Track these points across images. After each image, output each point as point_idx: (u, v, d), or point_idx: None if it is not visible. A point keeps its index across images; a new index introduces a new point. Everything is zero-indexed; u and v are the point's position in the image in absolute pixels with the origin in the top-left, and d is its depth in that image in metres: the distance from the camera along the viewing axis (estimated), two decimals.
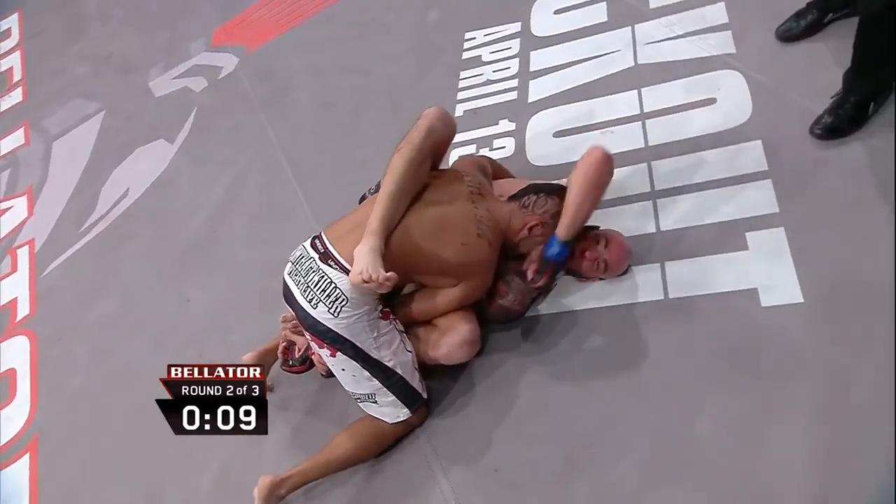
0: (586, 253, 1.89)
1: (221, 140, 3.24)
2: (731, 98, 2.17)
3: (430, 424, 1.87)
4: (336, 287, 1.69)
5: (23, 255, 3.23)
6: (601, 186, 1.79)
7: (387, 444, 1.84)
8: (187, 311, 2.59)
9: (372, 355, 1.74)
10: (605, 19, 2.66)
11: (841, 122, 1.91)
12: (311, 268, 1.74)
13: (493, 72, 2.76)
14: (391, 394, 1.78)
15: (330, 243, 1.76)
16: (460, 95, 2.73)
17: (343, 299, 1.69)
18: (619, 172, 2.14)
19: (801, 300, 1.68)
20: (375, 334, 1.74)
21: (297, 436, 2.03)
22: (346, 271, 1.68)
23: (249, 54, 3.62)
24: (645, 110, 2.30)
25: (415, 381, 1.81)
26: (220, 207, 2.92)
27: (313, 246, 1.79)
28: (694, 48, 2.36)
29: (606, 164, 1.77)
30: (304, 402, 2.10)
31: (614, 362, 1.80)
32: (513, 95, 2.63)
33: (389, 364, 1.75)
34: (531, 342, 1.92)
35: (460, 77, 2.82)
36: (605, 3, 2.70)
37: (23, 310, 2.95)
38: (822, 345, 1.61)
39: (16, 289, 3.07)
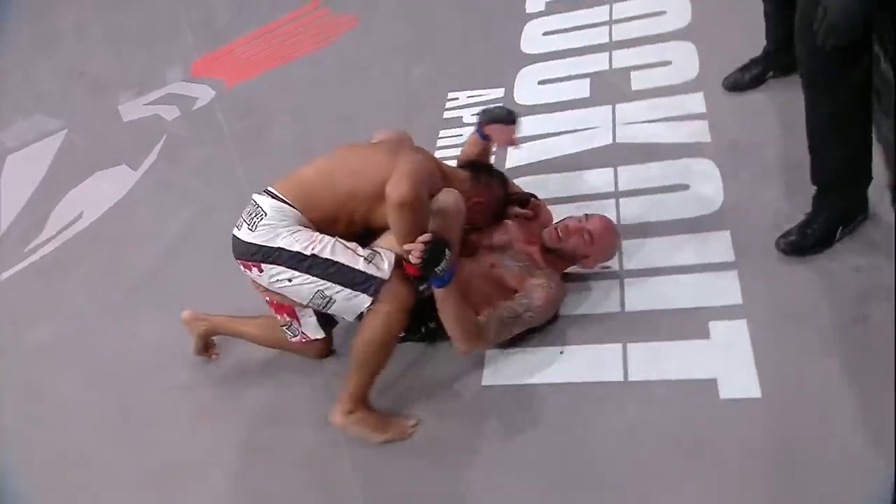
0: (569, 225, 2.04)
1: (188, 172, 3.26)
2: (704, 186, 2.29)
3: None
4: (259, 207, 1.90)
5: None
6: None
7: (379, 338, 1.86)
8: (131, 348, 2.55)
9: (292, 248, 1.84)
10: (587, 95, 2.79)
11: (807, 242, 1.96)
12: (251, 203, 1.95)
13: None
14: (336, 284, 1.83)
15: (274, 184, 1.98)
16: (438, 154, 2.80)
17: (262, 215, 1.88)
18: None
19: (759, 395, 1.74)
20: (290, 231, 1.87)
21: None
22: (272, 195, 1.92)
23: (228, 89, 3.68)
24: (619, 189, 2.40)
25: (357, 263, 1.84)
26: (178, 241, 2.91)
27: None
28: (671, 133, 2.49)
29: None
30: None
31: (568, 444, 1.82)
32: (490, 160, 2.71)
33: (312, 251, 1.83)
34: (484, 414, 1.95)
35: (440, 135, 2.91)
36: (588, 79, 2.84)
37: None
38: (778, 442, 1.67)
39: None
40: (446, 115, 2.99)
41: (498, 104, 2.25)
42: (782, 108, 2.35)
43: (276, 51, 3.83)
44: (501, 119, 2.21)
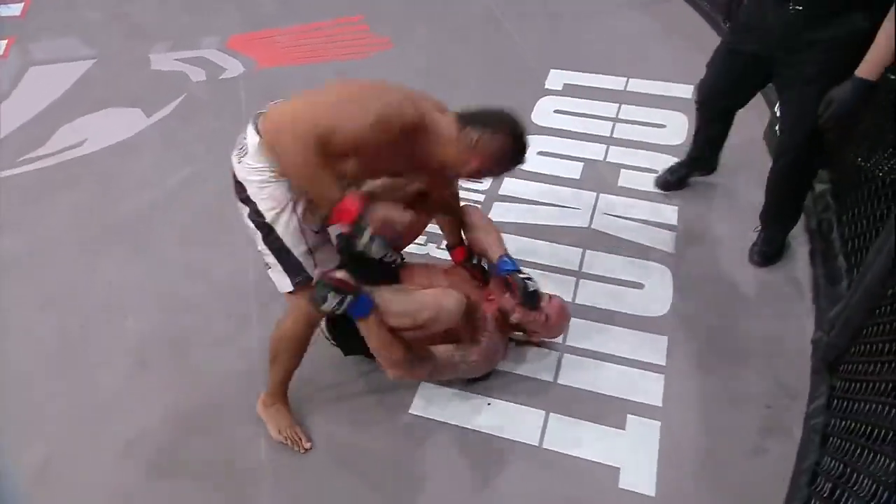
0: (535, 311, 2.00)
1: (197, 135, 3.22)
2: (656, 291, 2.34)
3: None
4: (245, 139, 1.68)
5: None
6: None
7: (285, 338, 1.82)
8: (89, 281, 2.48)
9: (257, 205, 1.68)
10: (577, 177, 2.84)
11: (772, 251, 2.39)
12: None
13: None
14: (272, 255, 1.73)
15: (266, 112, 1.71)
16: None
17: (244, 150, 1.68)
18: None
19: (653, 494, 1.77)
20: (261, 183, 1.67)
21: None
22: (256, 128, 1.65)
23: (257, 70, 3.66)
24: (583, 270, 2.44)
25: (298, 251, 1.71)
26: (167, 196, 2.86)
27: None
28: (641, 235, 2.55)
29: None
30: None
31: (469, 489, 1.83)
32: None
33: (268, 220, 1.69)
34: (402, 440, 1.95)
35: None
36: (582, 164, 2.90)
37: None
38: None
39: None
40: None
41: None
42: (745, 244, 2.45)
43: (311, 49, 3.84)
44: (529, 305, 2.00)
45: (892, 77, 2.12)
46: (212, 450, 1.94)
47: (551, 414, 1.98)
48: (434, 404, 2.02)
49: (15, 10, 4.25)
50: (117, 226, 2.72)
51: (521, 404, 2.01)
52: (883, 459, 1.45)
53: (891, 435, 1.48)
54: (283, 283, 1.76)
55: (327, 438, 1.95)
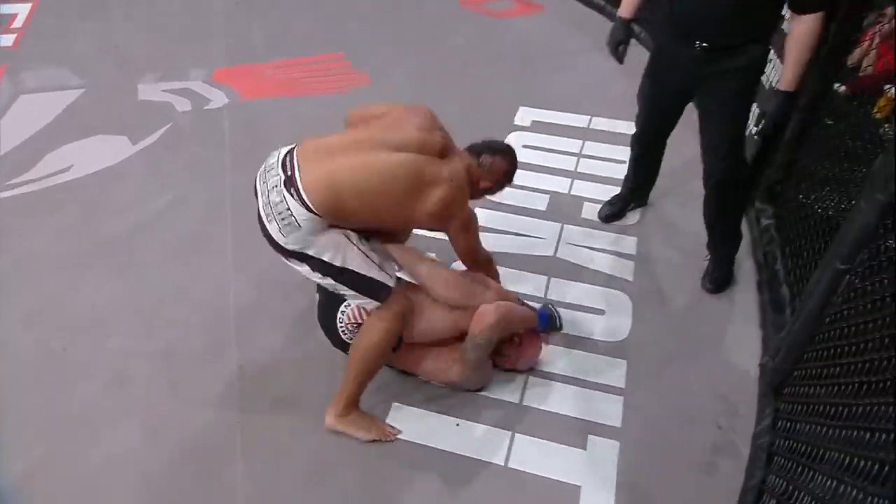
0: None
1: (181, 163, 3.21)
2: (616, 317, 2.39)
3: None
4: (292, 215, 1.69)
5: None
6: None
7: (383, 342, 1.86)
8: (71, 301, 2.46)
9: (321, 257, 1.74)
10: (543, 209, 2.90)
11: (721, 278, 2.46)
12: (276, 185, 1.72)
13: None
14: (350, 290, 1.79)
15: (298, 167, 1.71)
16: None
17: (295, 226, 1.70)
18: None
19: None
20: (319, 241, 1.73)
21: None
22: (303, 203, 1.67)
23: (241, 102, 3.68)
24: (548, 296, 2.49)
25: (371, 271, 1.77)
26: (151, 220, 2.85)
27: (283, 164, 1.75)
28: (603, 263, 2.61)
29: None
30: None
31: None
32: (444, 235, 2.76)
33: (336, 262, 1.74)
34: (369, 457, 1.95)
35: None
36: (548, 196, 2.96)
37: None
38: None
39: None
40: None
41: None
42: (698, 272, 2.52)
43: (294, 83, 3.87)
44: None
45: (830, 122, 2.23)
46: (190, 471, 1.92)
47: (517, 434, 2.00)
48: (404, 424, 2.03)
49: (7, 40, 4.23)
50: (99, 247, 2.70)
51: (488, 425, 2.03)
52: (821, 478, 1.50)
53: (829, 455, 1.53)
54: (369, 302, 1.82)
55: (299, 456, 1.94)
